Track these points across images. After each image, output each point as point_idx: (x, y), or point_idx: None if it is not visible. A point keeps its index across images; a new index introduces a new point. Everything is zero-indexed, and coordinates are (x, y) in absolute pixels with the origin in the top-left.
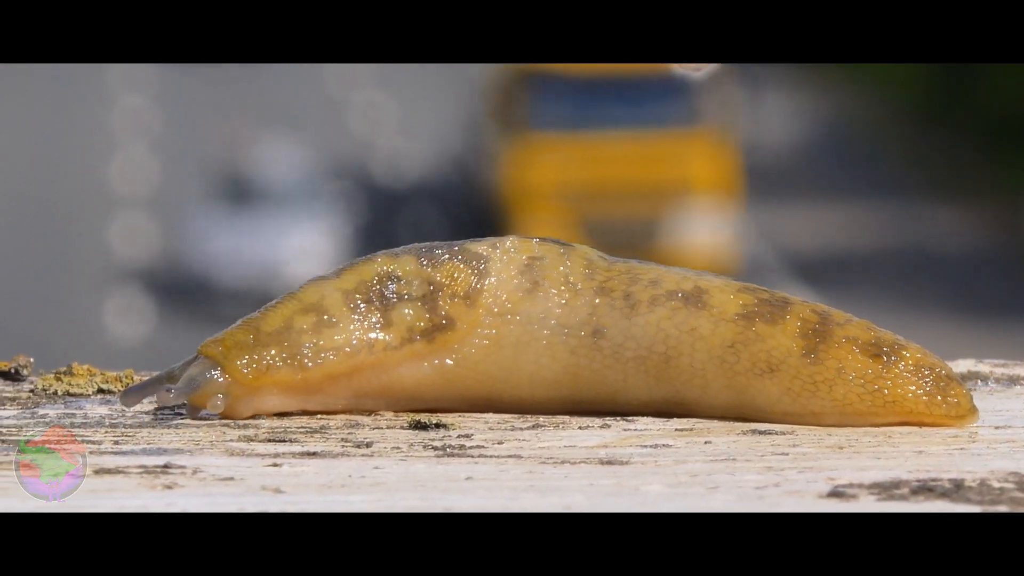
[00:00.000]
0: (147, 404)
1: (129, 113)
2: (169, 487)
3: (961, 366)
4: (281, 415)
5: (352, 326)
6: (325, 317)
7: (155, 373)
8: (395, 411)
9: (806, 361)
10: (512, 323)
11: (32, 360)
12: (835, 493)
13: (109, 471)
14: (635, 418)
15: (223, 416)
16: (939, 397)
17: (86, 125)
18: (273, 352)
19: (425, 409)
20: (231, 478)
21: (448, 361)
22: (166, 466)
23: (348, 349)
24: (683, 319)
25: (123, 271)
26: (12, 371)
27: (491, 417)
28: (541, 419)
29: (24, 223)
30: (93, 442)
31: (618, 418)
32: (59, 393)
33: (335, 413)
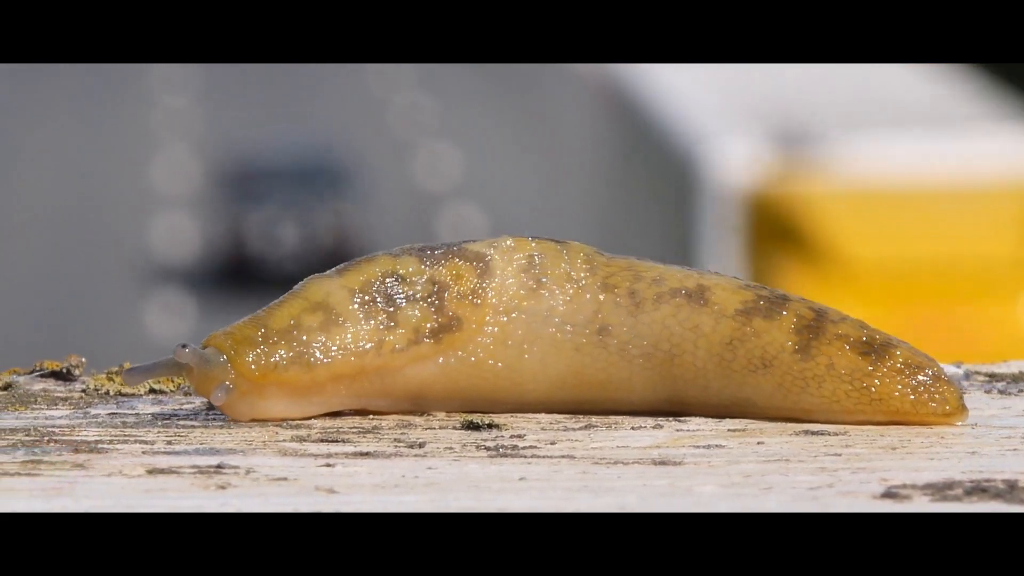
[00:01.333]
0: (199, 404)
1: (171, 114)
2: (222, 487)
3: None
4: (333, 415)
5: (359, 326)
6: (332, 316)
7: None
8: (397, 412)
9: (797, 357)
10: (517, 321)
11: (84, 360)
12: (889, 494)
13: (162, 471)
14: (687, 419)
15: (222, 410)
16: (926, 396)
17: (127, 126)
18: (282, 350)
19: (427, 410)
20: (284, 478)
21: (453, 360)
22: (219, 466)
23: (356, 349)
24: (687, 316)
25: (164, 271)
26: (64, 371)
27: (543, 417)
28: (593, 419)
29: (66, 224)
30: (146, 442)
31: (670, 418)
32: (111, 393)
33: (317, 416)
